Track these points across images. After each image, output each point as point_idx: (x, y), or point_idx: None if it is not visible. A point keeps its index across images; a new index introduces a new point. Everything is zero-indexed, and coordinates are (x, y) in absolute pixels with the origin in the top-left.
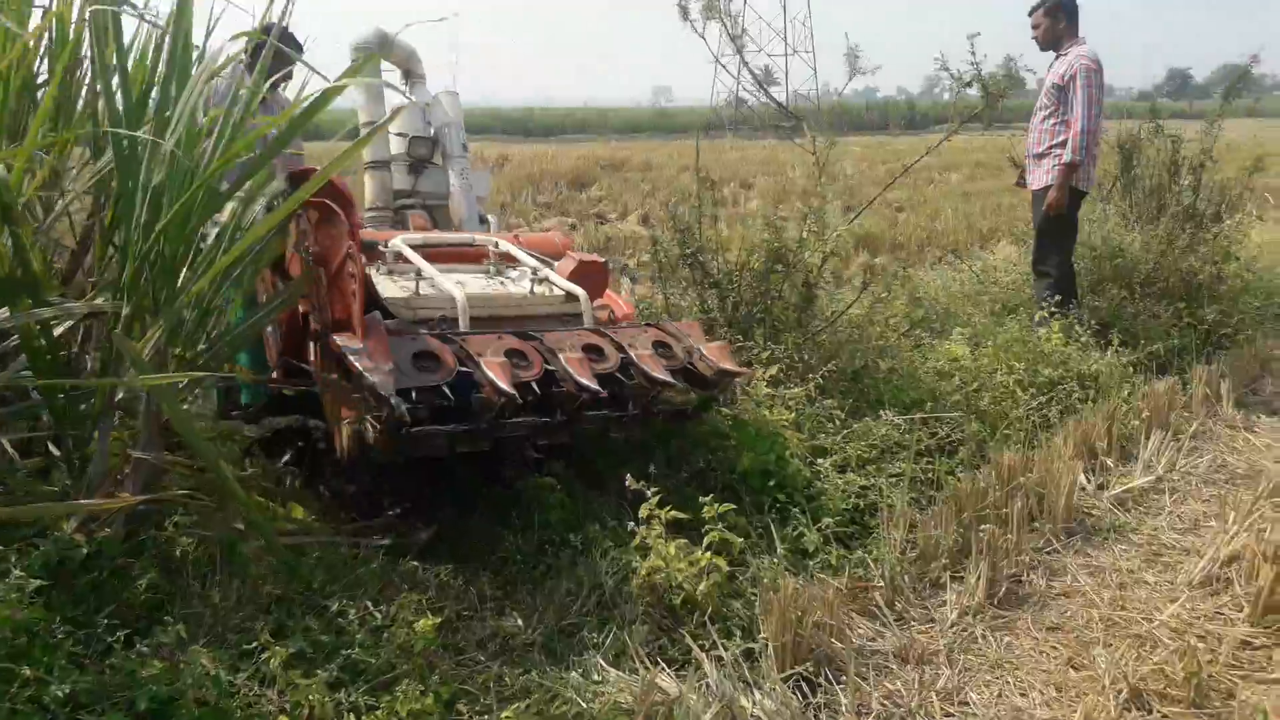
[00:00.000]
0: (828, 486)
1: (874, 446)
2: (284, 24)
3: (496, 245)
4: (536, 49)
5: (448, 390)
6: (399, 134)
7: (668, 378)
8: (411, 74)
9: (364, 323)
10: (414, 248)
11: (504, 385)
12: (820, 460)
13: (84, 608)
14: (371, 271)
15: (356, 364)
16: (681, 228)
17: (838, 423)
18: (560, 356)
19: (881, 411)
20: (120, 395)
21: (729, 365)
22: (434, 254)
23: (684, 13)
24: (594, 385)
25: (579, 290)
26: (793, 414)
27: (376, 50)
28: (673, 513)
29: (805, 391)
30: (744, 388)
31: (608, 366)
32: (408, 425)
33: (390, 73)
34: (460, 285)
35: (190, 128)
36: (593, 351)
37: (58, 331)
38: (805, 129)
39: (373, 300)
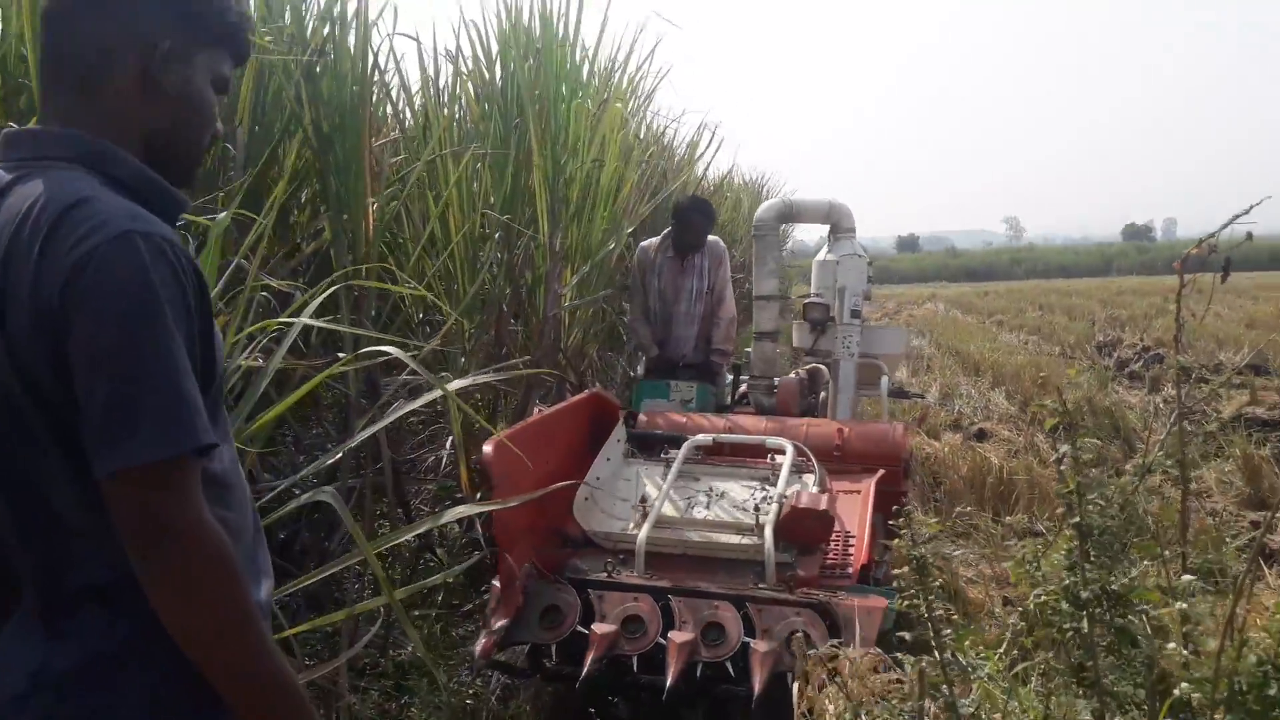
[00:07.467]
0: None
1: None
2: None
3: (783, 452)
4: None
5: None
6: (806, 294)
7: (756, 690)
8: (838, 228)
9: (513, 569)
10: (704, 448)
11: (588, 661)
12: None
13: None
14: (640, 470)
15: (488, 610)
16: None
17: None
18: (670, 634)
19: None
20: None
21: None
22: (731, 447)
23: None
24: (667, 681)
25: (768, 545)
26: None
27: (775, 223)
28: None
29: None
30: None
31: (718, 654)
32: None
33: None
34: (679, 508)
35: None
36: (714, 632)
37: None
38: None
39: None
